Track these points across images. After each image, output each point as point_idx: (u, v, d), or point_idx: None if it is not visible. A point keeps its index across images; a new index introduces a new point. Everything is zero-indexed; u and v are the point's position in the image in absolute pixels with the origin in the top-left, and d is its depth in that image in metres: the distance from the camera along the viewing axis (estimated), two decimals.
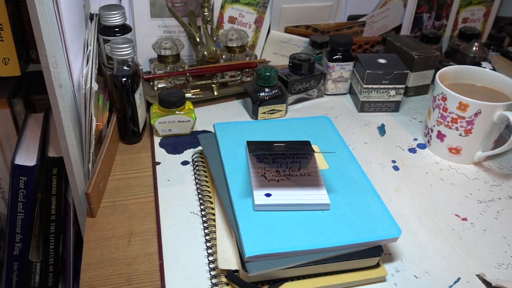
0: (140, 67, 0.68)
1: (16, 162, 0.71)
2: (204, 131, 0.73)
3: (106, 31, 0.70)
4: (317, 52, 0.85)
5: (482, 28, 1.06)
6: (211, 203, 0.57)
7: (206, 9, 0.79)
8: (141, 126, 0.71)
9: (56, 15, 0.54)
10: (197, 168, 0.64)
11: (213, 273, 0.50)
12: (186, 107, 0.70)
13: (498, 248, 0.55)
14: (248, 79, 0.84)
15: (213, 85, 0.80)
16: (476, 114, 0.63)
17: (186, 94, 0.75)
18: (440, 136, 0.68)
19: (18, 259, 0.78)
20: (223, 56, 0.83)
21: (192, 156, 0.67)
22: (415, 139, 0.74)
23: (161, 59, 0.78)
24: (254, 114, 0.75)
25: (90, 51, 0.65)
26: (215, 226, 0.53)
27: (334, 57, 0.81)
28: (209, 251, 0.52)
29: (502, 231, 0.57)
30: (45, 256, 0.80)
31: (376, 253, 0.49)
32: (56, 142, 0.73)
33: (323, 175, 0.56)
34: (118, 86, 0.64)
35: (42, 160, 0.73)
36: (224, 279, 0.48)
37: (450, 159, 0.69)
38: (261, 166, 0.56)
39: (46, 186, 0.74)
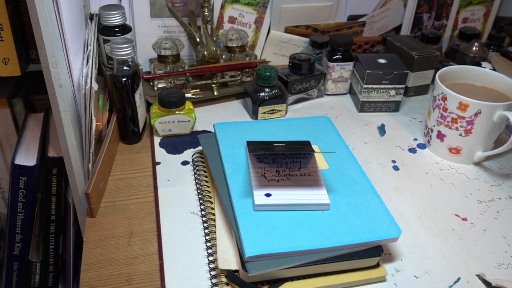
0: (140, 67, 0.68)
1: (16, 162, 0.71)
2: (204, 131, 0.73)
3: (106, 31, 0.70)
4: (317, 52, 0.85)
5: (482, 28, 1.06)
6: (211, 203, 0.57)
7: (206, 9, 0.79)
8: (141, 126, 0.71)
9: (56, 15, 0.54)
10: (197, 168, 0.64)
11: (213, 273, 0.50)
12: (186, 107, 0.70)
13: (498, 248, 0.55)
14: (248, 79, 0.84)
15: (213, 85, 0.80)
16: (476, 114, 0.63)
17: (186, 94, 0.75)
18: (440, 136, 0.68)
19: (18, 259, 0.78)
20: (223, 56, 0.83)
21: (192, 156, 0.67)
22: (415, 139, 0.74)
23: (161, 59, 0.78)
24: (254, 114, 0.75)
25: (90, 51, 0.65)
26: (215, 226, 0.53)
27: (334, 57, 0.81)
28: (209, 251, 0.52)
29: (502, 231, 0.57)
30: (45, 256, 0.80)
31: (376, 253, 0.49)
32: (56, 142, 0.73)
33: (323, 175, 0.56)
34: (118, 86, 0.64)
35: (42, 160, 0.73)
36: (224, 279, 0.48)
37: (450, 159, 0.69)
38: (261, 166, 0.56)
39: (46, 186, 0.74)
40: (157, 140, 0.71)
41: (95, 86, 0.60)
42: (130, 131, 0.69)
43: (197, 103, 0.78)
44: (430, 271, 0.51)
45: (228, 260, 0.49)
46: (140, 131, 0.71)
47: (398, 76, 0.76)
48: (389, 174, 0.66)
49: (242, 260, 0.47)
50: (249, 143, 0.58)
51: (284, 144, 0.57)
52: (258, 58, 0.91)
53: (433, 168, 0.68)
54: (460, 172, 0.67)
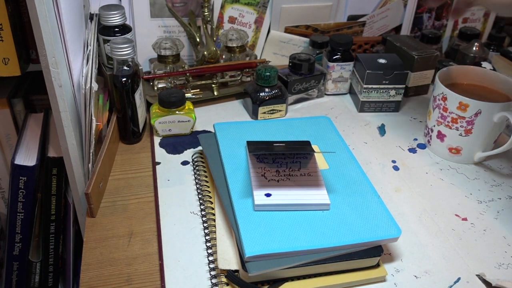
0: (140, 67, 0.68)
1: (16, 162, 0.71)
2: (204, 131, 0.73)
3: (106, 31, 0.70)
4: (317, 52, 0.85)
5: (482, 28, 1.05)
6: (211, 203, 0.57)
7: (206, 9, 0.79)
8: (141, 126, 0.71)
9: (56, 15, 0.54)
10: (197, 168, 0.64)
11: (213, 273, 0.50)
12: (186, 107, 0.70)
13: (498, 248, 0.55)
14: (248, 79, 0.84)
15: (213, 85, 0.80)
16: (476, 114, 0.63)
17: (186, 94, 0.75)
18: (440, 136, 0.68)
19: (18, 259, 0.78)
20: (223, 56, 0.83)
21: (192, 156, 0.67)
22: (415, 139, 0.74)
23: (161, 59, 0.78)
24: (254, 114, 0.75)
25: (90, 51, 0.65)
26: (215, 226, 0.53)
27: (334, 57, 0.81)
28: (209, 251, 0.52)
29: (502, 231, 0.57)
30: (45, 256, 0.80)
31: (376, 253, 0.49)
32: (56, 142, 0.73)
33: (323, 175, 0.56)
34: (118, 86, 0.64)
35: (42, 160, 0.73)
36: (224, 279, 0.48)
37: (450, 159, 0.69)
38: (261, 166, 0.56)
39: (46, 186, 0.74)
40: (157, 140, 0.71)
41: (95, 86, 0.60)
42: (130, 131, 0.69)
43: (197, 103, 0.78)
44: (430, 271, 0.51)
45: (228, 260, 0.49)
46: (140, 131, 0.71)
47: (398, 76, 0.76)
48: (389, 174, 0.66)
49: (242, 260, 0.47)
50: (249, 143, 0.58)
51: (284, 144, 0.57)
52: (258, 58, 0.91)
53: (433, 168, 0.67)
54: (460, 172, 0.67)
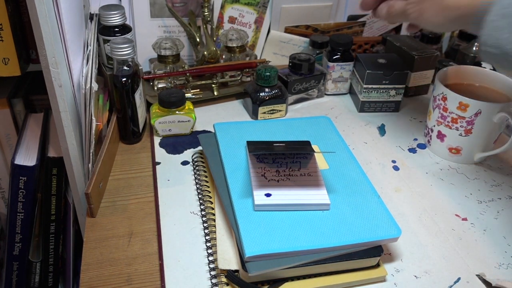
0: (140, 67, 0.68)
1: (16, 162, 0.71)
2: (204, 131, 0.73)
3: (106, 31, 0.70)
4: (317, 52, 0.85)
5: None
6: (211, 203, 0.57)
7: (206, 9, 0.79)
8: (141, 126, 0.71)
9: (56, 15, 0.54)
10: (197, 168, 0.64)
11: (213, 273, 0.50)
12: (186, 107, 0.70)
13: (498, 248, 0.55)
14: (248, 79, 0.84)
15: (213, 85, 0.80)
16: (476, 114, 0.63)
17: (186, 94, 0.75)
18: (440, 136, 0.68)
19: (18, 259, 0.78)
20: (223, 56, 0.83)
21: (192, 156, 0.67)
22: (415, 139, 0.74)
23: (161, 59, 0.78)
24: (254, 114, 0.75)
25: (90, 51, 0.65)
26: (215, 226, 0.53)
27: (334, 57, 0.81)
28: (209, 251, 0.52)
29: (502, 231, 0.57)
30: (45, 256, 0.80)
31: (376, 253, 0.49)
32: (56, 142, 0.73)
33: (323, 175, 0.56)
34: (118, 86, 0.64)
35: (42, 160, 0.73)
36: (224, 279, 0.48)
37: (450, 159, 0.69)
38: (261, 166, 0.56)
39: (46, 186, 0.74)
40: (157, 140, 0.71)
41: (95, 86, 0.60)
42: (130, 131, 0.69)
43: (197, 103, 0.78)
44: (430, 271, 0.51)
45: (228, 260, 0.49)
46: (140, 131, 0.71)
47: (398, 76, 0.76)
48: (389, 174, 0.66)
49: (242, 260, 0.47)
50: (249, 143, 0.58)
51: (284, 144, 0.57)
52: (258, 58, 0.91)
53: (433, 168, 0.67)
54: (460, 172, 0.67)
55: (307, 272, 0.49)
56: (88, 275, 0.50)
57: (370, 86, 0.77)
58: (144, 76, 0.75)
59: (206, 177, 0.62)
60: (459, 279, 0.51)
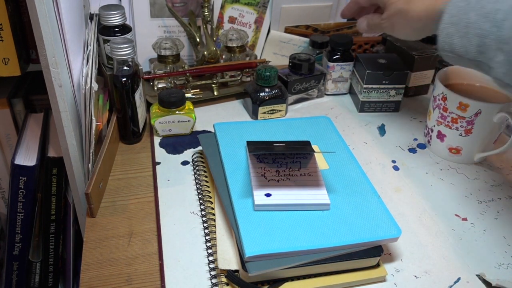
0: (140, 67, 0.68)
1: (16, 162, 0.71)
2: (204, 131, 0.73)
3: (106, 31, 0.70)
4: (317, 52, 0.85)
5: None
6: (211, 203, 0.57)
7: (206, 9, 0.79)
8: (141, 126, 0.71)
9: (56, 15, 0.54)
10: (197, 168, 0.64)
11: (213, 273, 0.50)
12: (186, 107, 0.70)
13: (498, 248, 0.55)
14: (248, 79, 0.84)
15: (213, 85, 0.80)
16: (476, 114, 0.63)
17: (186, 94, 0.75)
18: (440, 136, 0.68)
19: (18, 259, 0.78)
20: (223, 56, 0.83)
21: (192, 156, 0.67)
22: (415, 139, 0.74)
23: (161, 59, 0.78)
24: (254, 114, 0.75)
25: (90, 51, 0.65)
26: (215, 226, 0.53)
27: (334, 57, 0.81)
28: (209, 251, 0.52)
29: (502, 231, 0.57)
30: (45, 256, 0.80)
31: (376, 253, 0.49)
32: (56, 142, 0.74)
33: (323, 175, 0.56)
34: (118, 86, 0.64)
35: (42, 160, 0.73)
36: (224, 279, 0.48)
37: (450, 159, 0.69)
38: (261, 166, 0.56)
39: (46, 186, 0.74)
40: (157, 140, 0.71)
41: (95, 86, 0.60)
42: (130, 131, 0.69)
43: (197, 103, 0.78)
44: (430, 271, 0.51)
45: (228, 260, 0.49)
46: (140, 131, 0.71)
47: (398, 76, 0.76)
48: (389, 174, 0.66)
49: (242, 260, 0.47)
50: (249, 143, 0.58)
51: (284, 144, 0.57)
52: (258, 58, 0.91)
53: (433, 168, 0.67)
54: (460, 172, 0.67)
55: (307, 272, 0.49)
56: (88, 275, 0.50)
57: (370, 86, 0.77)
58: (144, 76, 0.75)
59: (206, 177, 0.62)
60: (459, 279, 0.51)
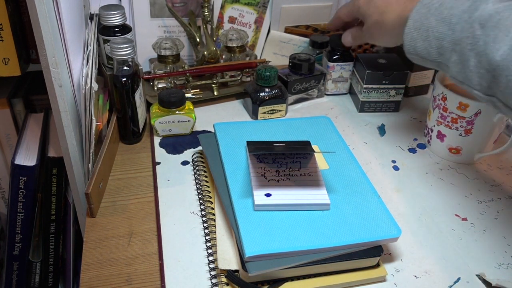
0: (140, 67, 0.68)
1: (16, 162, 0.71)
2: (204, 131, 0.73)
3: (106, 31, 0.70)
4: (317, 52, 0.85)
5: None
6: (211, 203, 0.57)
7: (206, 9, 0.79)
8: (141, 126, 0.71)
9: (56, 15, 0.54)
10: (197, 168, 0.64)
11: (213, 273, 0.50)
12: (186, 107, 0.70)
13: (498, 248, 0.55)
14: (248, 79, 0.84)
15: (213, 85, 0.80)
16: (476, 114, 0.63)
17: (186, 94, 0.75)
18: (440, 136, 0.68)
19: (18, 259, 0.78)
20: (223, 56, 0.83)
21: (192, 156, 0.67)
22: (415, 139, 0.74)
23: (161, 59, 0.78)
24: (254, 114, 0.75)
25: (90, 51, 0.65)
26: (215, 226, 0.53)
27: (334, 57, 0.81)
28: (209, 251, 0.52)
29: (502, 231, 0.57)
30: (45, 256, 0.80)
31: (376, 253, 0.49)
32: (56, 142, 0.74)
33: (323, 175, 0.56)
34: (118, 86, 0.64)
35: (42, 160, 0.73)
36: (224, 279, 0.48)
37: (450, 159, 0.69)
38: (261, 166, 0.56)
39: (46, 186, 0.74)
40: (157, 140, 0.71)
41: (95, 86, 0.60)
42: (130, 131, 0.69)
43: (197, 103, 0.78)
44: (430, 271, 0.51)
45: (228, 260, 0.49)
46: (140, 131, 0.71)
47: (398, 76, 0.76)
48: (389, 174, 0.66)
49: (242, 260, 0.47)
50: (249, 143, 0.58)
51: (284, 144, 0.57)
52: (258, 58, 0.91)
53: (433, 168, 0.68)
54: (460, 172, 0.67)
55: (307, 272, 0.49)
56: (88, 275, 0.50)
57: (370, 86, 0.77)
58: (144, 76, 0.75)
59: (206, 177, 0.62)
60: (459, 279, 0.51)
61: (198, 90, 0.80)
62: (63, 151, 0.61)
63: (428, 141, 0.71)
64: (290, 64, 0.79)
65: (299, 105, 0.81)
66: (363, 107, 0.79)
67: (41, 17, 0.50)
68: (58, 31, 0.55)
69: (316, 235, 0.48)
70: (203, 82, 0.80)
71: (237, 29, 0.87)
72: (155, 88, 0.78)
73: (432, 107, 0.69)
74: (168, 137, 0.71)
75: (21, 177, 0.72)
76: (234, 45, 0.82)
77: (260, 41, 0.91)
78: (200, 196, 0.59)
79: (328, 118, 0.70)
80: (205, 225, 0.55)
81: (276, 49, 0.92)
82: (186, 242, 0.53)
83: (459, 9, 0.51)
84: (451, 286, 0.50)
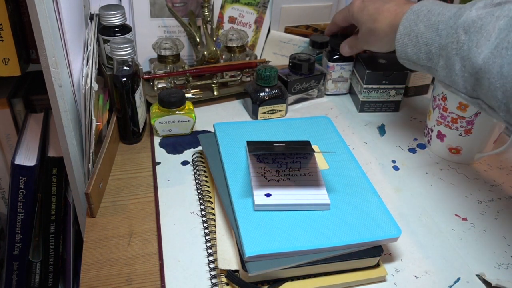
0: (140, 67, 0.68)
1: (16, 162, 0.71)
2: (204, 131, 0.73)
3: (106, 31, 0.70)
4: (317, 52, 0.85)
5: None
6: (211, 203, 0.57)
7: (206, 9, 0.79)
8: (141, 126, 0.71)
9: (56, 15, 0.54)
10: (197, 168, 0.64)
11: (213, 273, 0.50)
12: (186, 107, 0.70)
13: (498, 248, 0.55)
14: (248, 79, 0.84)
15: (213, 85, 0.80)
16: (476, 114, 0.63)
17: (186, 94, 0.75)
18: (440, 136, 0.68)
19: (18, 259, 0.78)
20: (223, 56, 0.83)
21: (192, 156, 0.67)
22: (415, 139, 0.74)
23: (161, 59, 0.78)
24: (254, 114, 0.75)
25: (90, 51, 0.65)
26: (215, 226, 0.54)
27: (334, 57, 0.81)
28: (209, 251, 0.52)
29: (502, 231, 0.57)
30: (45, 256, 0.80)
31: (376, 253, 0.49)
32: (56, 142, 0.74)
33: (323, 175, 0.56)
34: (118, 86, 0.64)
35: (42, 160, 0.73)
36: (224, 279, 0.48)
37: (450, 159, 0.69)
38: (261, 166, 0.56)
39: (46, 186, 0.74)
40: (157, 140, 0.71)
41: (95, 86, 0.60)
42: (130, 131, 0.69)
43: (197, 103, 0.78)
44: (430, 271, 0.51)
45: (228, 260, 0.49)
46: (140, 131, 0.71)
47: (398, 76, 0.76)
48: (389, 174, 0.66)
49: (242, 260, 0.47)
50: (249, 143, 0.58)
51: (284, 144, 0.57)
52: (258, 58, 0.91)
53: (433, 168, 0.68)
54: (460, 172, 0.67)
55: (307, 272, 0.49)
56: (88, 275, 0.50)
57: (370, 86, 0.77)
58: (144, 76, 0.75)
59: (206, 177, 0.62)
60: (459, 279, 0.51)
61: (198, 90, 0.80)
62: (63, 151, 0.61)
63: (428, 141, 0.71)
64: (290, 64, 0.79)
65: (299, 105, 0.81)
66: (363, 107, 0.79)
67: (41, 17, 0.50)
68: (58, 31, 0.55)
69: (316, 235, 0.48)
70: (203, 82, 0.80)
71: (237, 29, 0.87)
72: (155, 88, 0.78)
73: (432, 107, 0.69)
74: (168, 137, 0.71)
75: (21, 177, 0.72)
76: (234, 45, 0.82)
77: (260, 41, 0.91)
78: (200, 196, 0.59)
79: (328, 118, 0.70)
80: (205, 225, 0.55)
81: (276, 49, 0.92)
82: (186, 242, 0.53)
83: (445, 15, 0.54)
84: (451, 286, 0.50)
